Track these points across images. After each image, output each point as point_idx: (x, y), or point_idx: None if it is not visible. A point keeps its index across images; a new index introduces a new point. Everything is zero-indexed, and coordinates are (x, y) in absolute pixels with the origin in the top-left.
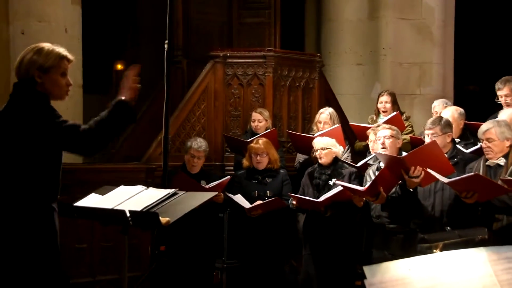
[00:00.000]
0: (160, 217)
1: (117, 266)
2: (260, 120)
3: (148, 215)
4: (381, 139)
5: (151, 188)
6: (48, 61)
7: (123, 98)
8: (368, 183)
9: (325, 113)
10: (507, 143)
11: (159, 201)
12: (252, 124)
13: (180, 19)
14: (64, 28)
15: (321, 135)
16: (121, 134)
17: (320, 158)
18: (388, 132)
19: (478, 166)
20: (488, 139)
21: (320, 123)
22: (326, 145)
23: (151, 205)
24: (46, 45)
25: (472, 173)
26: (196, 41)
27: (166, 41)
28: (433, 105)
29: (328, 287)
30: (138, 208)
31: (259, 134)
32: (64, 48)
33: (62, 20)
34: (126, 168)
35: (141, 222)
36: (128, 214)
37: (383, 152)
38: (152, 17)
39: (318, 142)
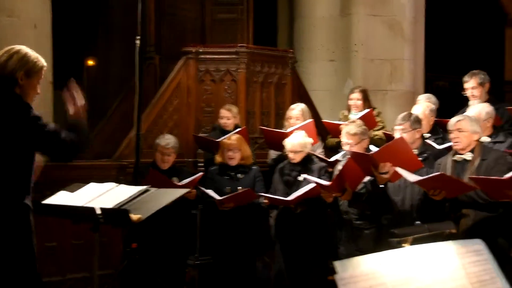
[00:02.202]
0: (131, 214)
1: (88, 264)
2: (228, 117)
3: (119, 212)
4: (347, 146)
5: (122, 185)
6: (35, 68)
7: (71, 118)
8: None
9: (296, 109)
10: (475, 137)
11: (130, 198)
12: (221, 121)
13: (152, 15)
14: (33, 24)
15: (294, 130)
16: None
17: (292, 159)
18: (351, 141)
19: (446, 161)
20: (458, 129)
21: (291, 119)
22: (298, 147)
23: (123, 202)
24: (30, 51)
25: (438, 173)
26: (168, 37)
27: (138, 37)
28: (417, 99)
29: (300, 283)
30: (109, 205)
31: (227, 130)
32: (33, 44)
33: (31, 16)
34: (97, 165)
35: (112, 219)
36: (98, 212)
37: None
38: (124, 13)
39: (289, 144)
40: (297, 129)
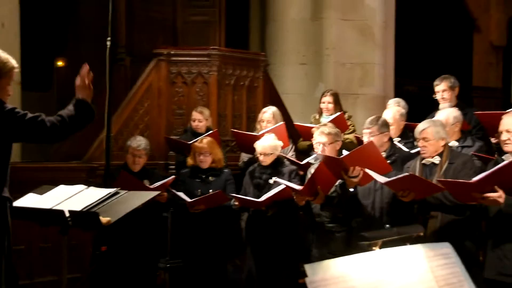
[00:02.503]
0: (100, 217)
1: (57, 267)
2: (200, 119)
3: (88, 215)
4: (320, 146)
5: (91, 188)
6: (4, 69)
7: (80, 97)
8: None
9: (268, 112)
10: (442, 142)
11: (100, 200)
12: (192, 123)
13: (123, 16)
14: (1, 23)
15: (265, 133)
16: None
17: (263, 161)
18: (325, 139)
19: (414, 164)
20: (424, 139)
21: (263, 121)
22: (269, 150)
23: (92, 205)
24: (0, 52)
25: (407, 173)
26: (139, 39)
27: (109, 38)
28: (388, 103)
29: (271, 286)
30: (78, 208)
31: (199, 133)
32: (1, 43)
33: None
34: (67, 167)
35: (81, 222)
36: (67, 214)
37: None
38: (94, 13)
39: (260, 147)
40: (268, 132)
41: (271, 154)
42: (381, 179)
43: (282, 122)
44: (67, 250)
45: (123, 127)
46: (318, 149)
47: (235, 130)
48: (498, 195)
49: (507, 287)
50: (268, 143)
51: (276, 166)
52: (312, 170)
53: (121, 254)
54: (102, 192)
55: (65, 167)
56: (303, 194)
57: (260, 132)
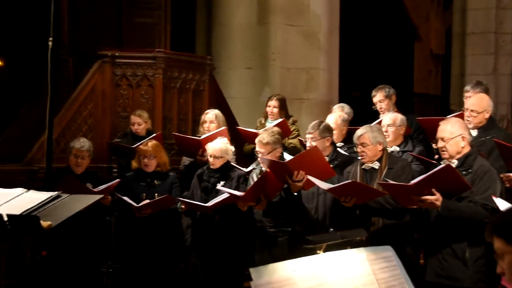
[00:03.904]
0: (41, 221)
1: None
2: (139, 123)
3: (28, 219)
4: (260, 155)
5: (31, 191)
6: None
7: None
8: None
9: (210, 113)
10: (380, 147)
11: (40, 204)
12: (132, 127)
13: (66, 15)
14: None
15: (208, 137)
16: None
17: (212, 164)
18: (263, 150)
19: (355, 169)
20: (362, 144)
21: (206, 123)
22: (219, 153)
23: (32, 209)
24: None
25: (349, 181)
26: (83, 39)
27: (50, 38)
28: (332, 108)
29: None
30: (18, 211)
31: (140, 136)
32: None
33: None
34: (5, 170)
35: (21, 226)
36: (5, 218)
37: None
38: (36, 11)
39: (210, 149)
40: (210, 136)
41: (221, 157)
42: (324, 185)
43: (224, 127)
44: (5, 255)
45: (66, 129)
46: (260, 156)
47: (176, 134)
48: (435, 198)
49: None
50: (219, 146)
51: (226, 171)
52: (254, 175)
53: (62, 258)
54: (43, 196)
55: (3, 170)
56: (246, 200)
57: (202, 137)
